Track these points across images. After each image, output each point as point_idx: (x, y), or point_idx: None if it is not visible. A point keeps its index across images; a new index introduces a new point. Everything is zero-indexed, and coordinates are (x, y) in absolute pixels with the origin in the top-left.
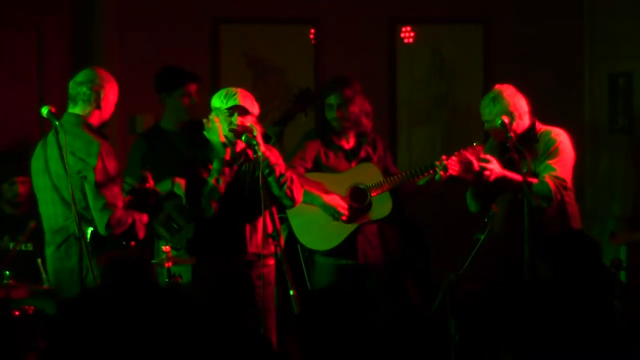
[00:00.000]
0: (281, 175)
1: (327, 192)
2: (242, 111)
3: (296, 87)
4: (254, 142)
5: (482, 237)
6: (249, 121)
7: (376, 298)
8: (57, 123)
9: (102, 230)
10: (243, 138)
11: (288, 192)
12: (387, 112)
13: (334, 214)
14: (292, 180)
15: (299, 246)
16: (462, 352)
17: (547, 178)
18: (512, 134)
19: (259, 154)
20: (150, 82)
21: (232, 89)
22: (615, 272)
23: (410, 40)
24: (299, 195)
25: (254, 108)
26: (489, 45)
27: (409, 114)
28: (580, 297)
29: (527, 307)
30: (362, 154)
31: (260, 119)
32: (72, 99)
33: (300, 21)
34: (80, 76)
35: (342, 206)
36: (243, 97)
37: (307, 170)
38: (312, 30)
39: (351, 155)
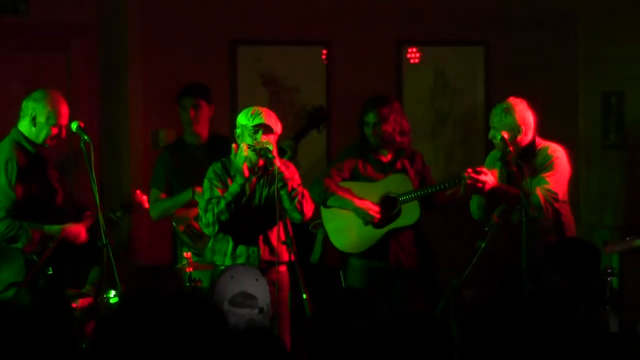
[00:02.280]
0: (293, 189)
1: (360, 198)
2: (267, 129)
3: (309, 104)
4: (270, 157)
5: (483, 245)
6: (271, 139)
7: (399, 301)
8: (85, 137)
9: None
10: (261, 153)
11: (298, 206)
12: None
13: (366, 217)
14: (302, 195)
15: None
16: (464, 356)
17: (537, 190)
18: (511, 149)
19: (275, 168)
20: (171, 100)
21: (258, 109)
22: (608, 279)
23: (416, 60)
24: (308, 210)
25: (277, 127)
26: (489, 66)
27: (414, 130)
28: (578, 303)
29: (527, 313)
30: (398, 165)
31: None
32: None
33: (312, 43)
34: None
35: (373, 210)
36: (268, 116)
37: (344, 180)
38: (324, 52)
39: (387, 168)
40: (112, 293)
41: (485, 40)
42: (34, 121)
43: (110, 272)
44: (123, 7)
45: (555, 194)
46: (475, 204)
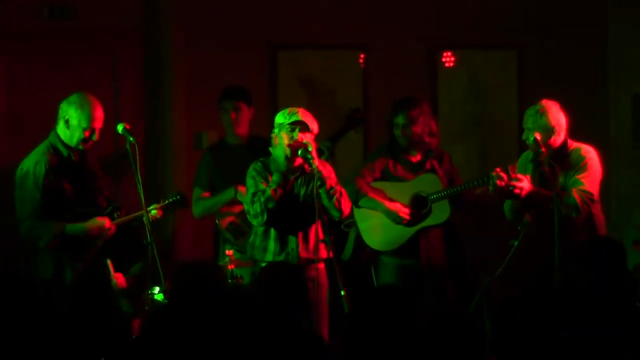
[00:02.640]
0: (331, 188)
1: (390, 199)
2: (303, 127)
3: (346, 106)
4: (309, 157)
5: (516, 243)
6: (307, 138)
7: (431, 298)
8: (131, 139)
9: None
10: (299, 153)
11: (336, 203)
12: None
13: (396, 218)
14: (340, 194)
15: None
16: (497, 352)
17: (574, 191)
18: (543, 149)
19: (314, 167)
20: (213, 102)
21: (295, 108)
22: (638, 276)
23: (451, 64)
24: (346, 208)
25: (314, 126)
26: (522, 69)
27: (449, 131)
28: (607, 299)
29: (558, 309)
30: (427, 166)
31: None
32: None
33: (350, 47)
34: None
35: (403, 211)
36: (304, 115)
37: (376, 179)
38: (362, 55)
39: (417, 168)
40: (157, 289)
41: (518, 44)
42: (67, 124)
43: (154, 269)
44: (167, 12)
45: (591, 194)
46: (508, 207)
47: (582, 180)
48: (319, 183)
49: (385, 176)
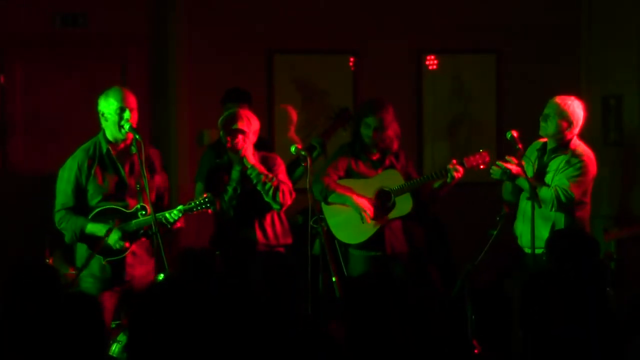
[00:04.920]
0: (265, 184)
1: (358, 194)
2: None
3: (337, 106)
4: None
5: (495, 232)
6: (240, 139)
7: (403, 284)
8: (137, 136)
9: None
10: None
11: (274, 198)
12: (414, 129)
13: (362, 213)
14: (277, 188)
15: (336, 241)
16: (477, 332)
17: (555, 188)
18: (520, 146)
19: (248, 166)
20: (215, 103)
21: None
22: (607, 263)
23: (434, 67)
24: (285, 200)
25: (246, 126)
26: (501, 72)
27: (433, 130)
28: (579, 284)
29: (534, 292)
30: (387, 162)
31: (308, 133)
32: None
33: (341, 52)
34: None
35: (368, 208)
36: (239, 118)
37: (340, 178)
38: (352, 59)
39: (377, 164)
40: (161, 276)
41: (497, 49)
42: (103, 117)
43: (159, 257)
44: (172, 20)
45: (571, 194)
46: (506, 188)
47: (568, 181)
48: (254, 181)
49: (349, 174)
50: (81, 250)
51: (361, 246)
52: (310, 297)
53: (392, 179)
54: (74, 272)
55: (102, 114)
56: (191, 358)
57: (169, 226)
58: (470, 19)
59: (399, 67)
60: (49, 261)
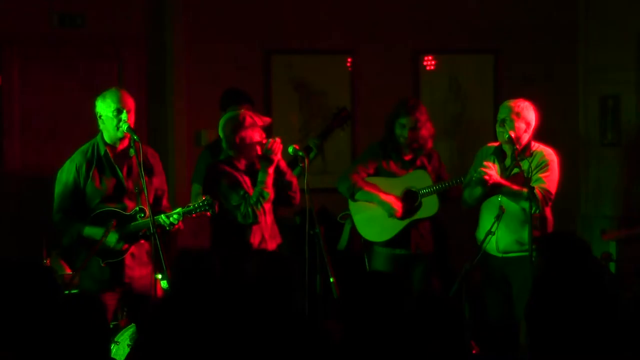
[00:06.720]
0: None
1: (385, 193)
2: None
3: (335, 107)
4: None
5: (493, 232)
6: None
7: (415, 284)
8: (135, 137)
9: None
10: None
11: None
12: None
13: (390, 210)
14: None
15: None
16: (474, 332)
17: (536, 188)
18: (517, 146)
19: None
20: (212, 103)
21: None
22: (606, 263)
23: (432, 67)
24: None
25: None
26: (498, 72)
27: None
28: (573, 287)
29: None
30: (418, 163)
31: (305, 133)
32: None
33: (338, 51)
34: None
35: (396, 204)
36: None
37: (369, 176)
38: (349, 59)
39: (408, 165)
40: (159, 276)
41: (494, 49)
42: (101, 119)
43: (157, 257)
44: (169, 20)
45: (550, 193)
46: (469, 194)
47: (544, 179)
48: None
49: (378, 172)
50: (79, 250)
51: (386, 244)
52: (307, 296)
53: (420, 180)
54: (71, 273)
55: (100, 116)
56: (191, 358)
57: (168, 228)
58: (467, 19)
59: (397, 68)
60: (46, 262)
